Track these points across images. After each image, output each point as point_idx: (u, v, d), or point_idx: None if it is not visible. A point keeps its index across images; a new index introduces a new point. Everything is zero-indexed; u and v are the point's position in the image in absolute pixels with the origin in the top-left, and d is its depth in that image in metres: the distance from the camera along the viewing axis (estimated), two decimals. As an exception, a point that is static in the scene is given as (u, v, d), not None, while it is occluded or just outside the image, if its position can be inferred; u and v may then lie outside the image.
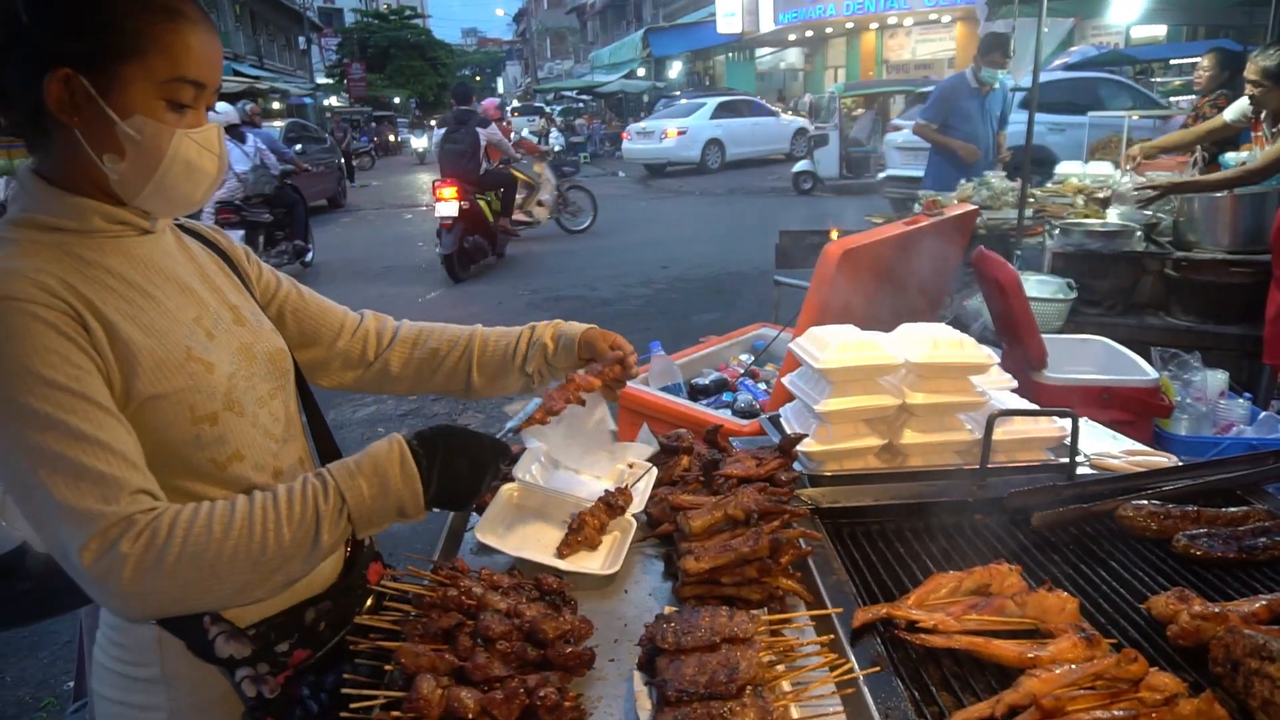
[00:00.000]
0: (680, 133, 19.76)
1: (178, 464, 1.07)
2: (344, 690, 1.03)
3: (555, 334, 1.51)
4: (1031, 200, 5.23)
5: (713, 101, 21.14)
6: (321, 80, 45.60)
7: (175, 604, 0.96)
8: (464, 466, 1.11)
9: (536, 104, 36.80)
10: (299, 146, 15.80)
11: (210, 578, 0.95)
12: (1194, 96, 7.45)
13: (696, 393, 3.12)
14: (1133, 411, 2.78)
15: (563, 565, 1.34)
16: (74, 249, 1.05)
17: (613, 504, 1.43)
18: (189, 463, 1.08)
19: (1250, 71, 4.26)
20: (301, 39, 42.64)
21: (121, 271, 1.08)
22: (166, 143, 1.04)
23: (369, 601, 1.28)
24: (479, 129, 9.61)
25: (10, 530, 1.64)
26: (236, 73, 27.63)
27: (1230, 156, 5.34)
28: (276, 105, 27.16)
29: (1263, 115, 4.52)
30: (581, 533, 1.39)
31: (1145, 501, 1.48)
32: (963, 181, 5.94)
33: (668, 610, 1.18)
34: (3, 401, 0.93)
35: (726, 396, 3.06)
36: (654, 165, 20.55)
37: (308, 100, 34.33)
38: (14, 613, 1.78)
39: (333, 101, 42.34)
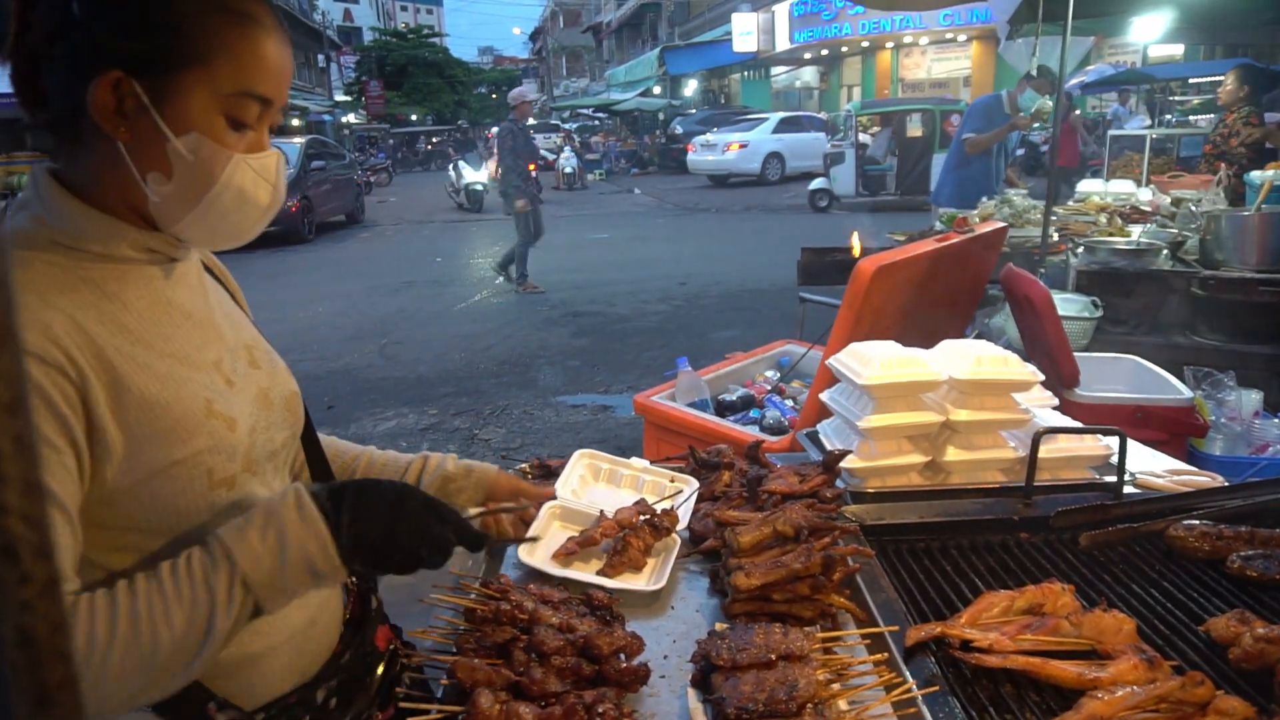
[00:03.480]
0: (742, 146, 20.67)
1: (183, 533, 0.92)
2: (400, 704, 1.02)
3: (463, 469, 1.36)
4: (1054, 219, 5.22)
5: (775, 116, 22.07)
6: (340, 97, 46.12)
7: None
8: (379, 512, 0.93)
9: (553, 122, 37.04)
10: (320, 162, 15.98)
11: (94, 698, 0.80)
12: (1213, 116, 7.43)
13: (723, 409, 3.11)
14: (1167, 431, 2.75)
15: (609, 583, 1.33)
16: (93, 275, 0.90)
17: (658, 525, 1.42)
18: (196, 531, 0.92)
19: None
20: (321, 57, 43.15)
21: (141, 309, 0.93)
22: (221, 167, 0.91)
23: (380, 668, 1.16)
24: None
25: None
26: (257, 90, 28.02)
27: (1255, 175, 5.31)
28: (296, 122, 27.46)
29: None
30: (626, 554, 1.38)
31: (1196, 522, 1.46)
32: (984, 199, 5.95)
33: (719, 627, 1.17)
34: None
35: (754, 413, 3.05)
36: (717, 176, 21.46)
37: (326, 118, 34.73)
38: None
39: (351, 119, 42.77)
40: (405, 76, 50.50)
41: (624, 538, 1.39)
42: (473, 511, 1.14)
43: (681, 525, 1.48)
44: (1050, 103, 6.09)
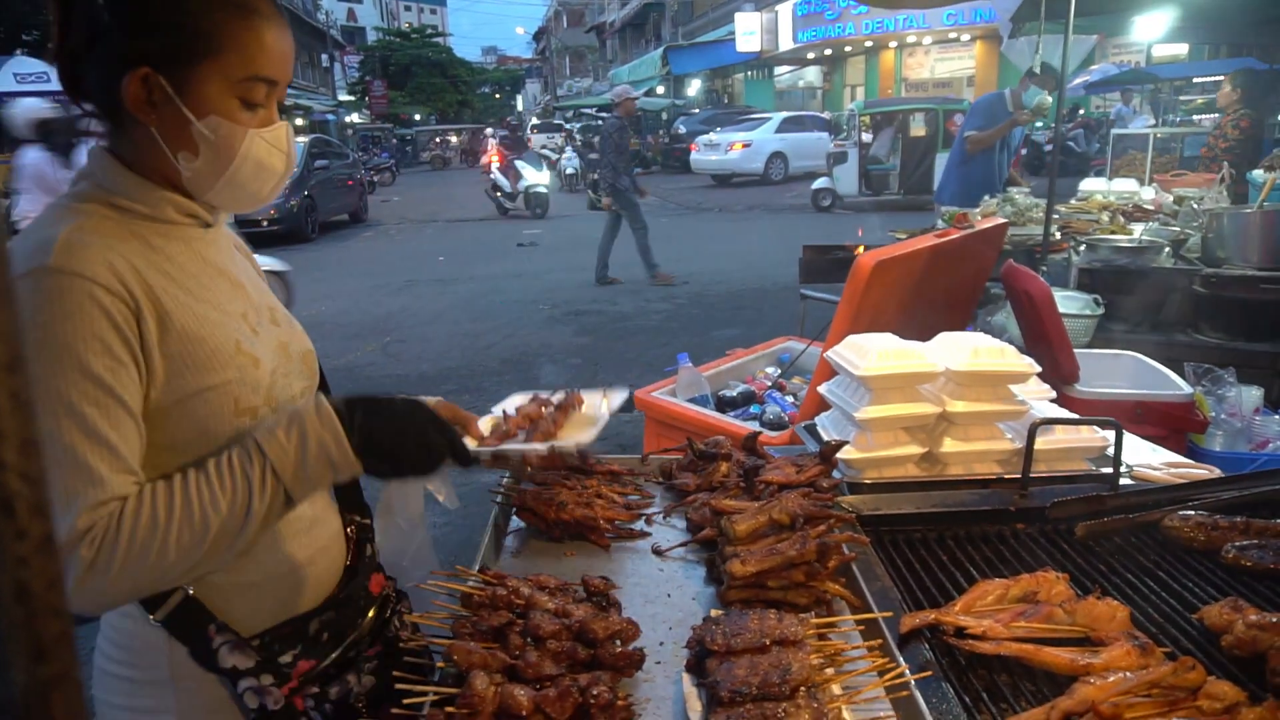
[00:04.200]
0: (745, 145, 20.61)
1: (209, 454, 1.03)
2: (396, 686, 1.03)
3: None
4: (1056, 217, 5.22)
5: (778, 116, 21.99)
6: (344, 97, 46.21)
7: (127, 597, 1.01)
8: (388, 419, 1.06)
9: (556, 121, 37.08)
10: (323, 161, 16.01)
11: (156, 570, 0.95)
12: (1216, 115, 7.45)
13: (724, 405, 3.13)
14: (1167, 427, 2.75)
15: (541, 447, 1.29)
16: (141, 231, 1.06)
17: (563, 404, 1.43)
18: (211, 449, 1.05)
19: None
20: (324, 56, 43.24)
21: (182, 261, 1.09)
22: (239, 143, 1.06)
23: (371, 612, 1.27)
24: None
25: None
26: (261, 89, 28.06)
27: (1257, 174, 5.31)
28: (300, 121, 27.52)
29: None
30: (542, 428, 1.34)
31: (1192, 512, 1.46)
32: (986, 197, 5.95)
33: (714, 613, 1.18)
34: (54, 370, 0.94)
35: (754, 409, 3.06)
36: (720, 175, 21.40)
37: (330, 117, 34.78)
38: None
39: (355, 118, 42.85)
40: (409, 76, 50.58)
41: (537, 424, 1.36)
42: (482, 449, 1.24)
43: (605, 418, 1.45)
44: (1050, 98, 6.09)
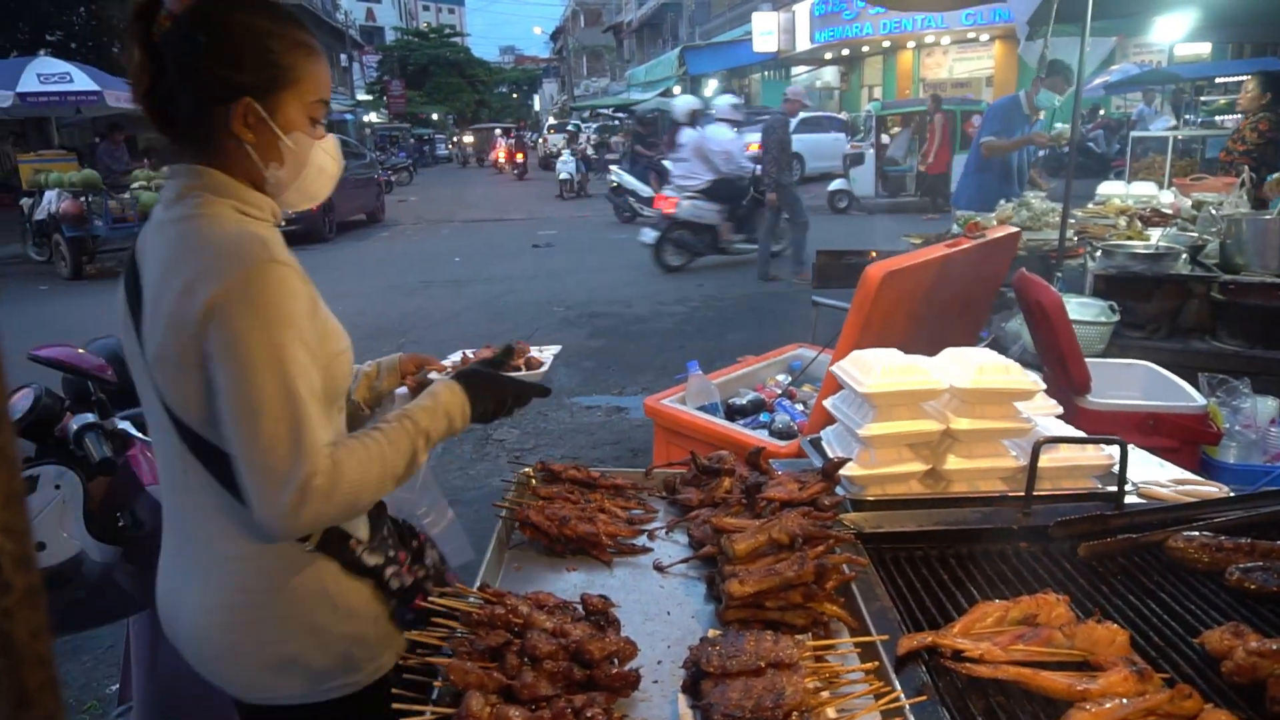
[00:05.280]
0: (761, 146, 20.16)
1: (338, 401, 1.36)
2: (393, 705, 1.05)
3: (375, 367, 1.72)
4: (1073, 221, 5.17)
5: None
6: (362, 96, 46.44)
7: (336, 519, 1.27)
8: (483, 386, 1.45)
9: (573, 121, 37.17)
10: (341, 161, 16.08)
11: (359, 496, 1.22)
12: (1239, 116, 7.36)
13: (733, 413, 3.12)
14: (1179, 439, 2.73)
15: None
16: (270, 232, 1.28)
17: (510, 349, 1.71)
18: (334, 409, 1.34)
19: None
20: (343, 56, 43.46)
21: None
22: (309, 152, 1.32)
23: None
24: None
25: (68, 540, 1.68)
26: (280, 89, 28.18)
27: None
28: (318, 121, 27.65)
29: None
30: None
31: (1196, 533, 1.45)
32: (1002, 202, 5.91)
33: (711, 633, 1.18)
34: (278, 344, 1.16)
35: (764, 417, 3.05)
36: None
37: (349, 116, 34.97)
38: (67, 619, 1.82)
39: (373, 118, 43.08)
40: (427, 76, 50.78)
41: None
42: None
43: (545, 369, 1.79)
44: (1058, 100, 6.04)
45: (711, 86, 33.40)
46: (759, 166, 9.96)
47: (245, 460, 1.15)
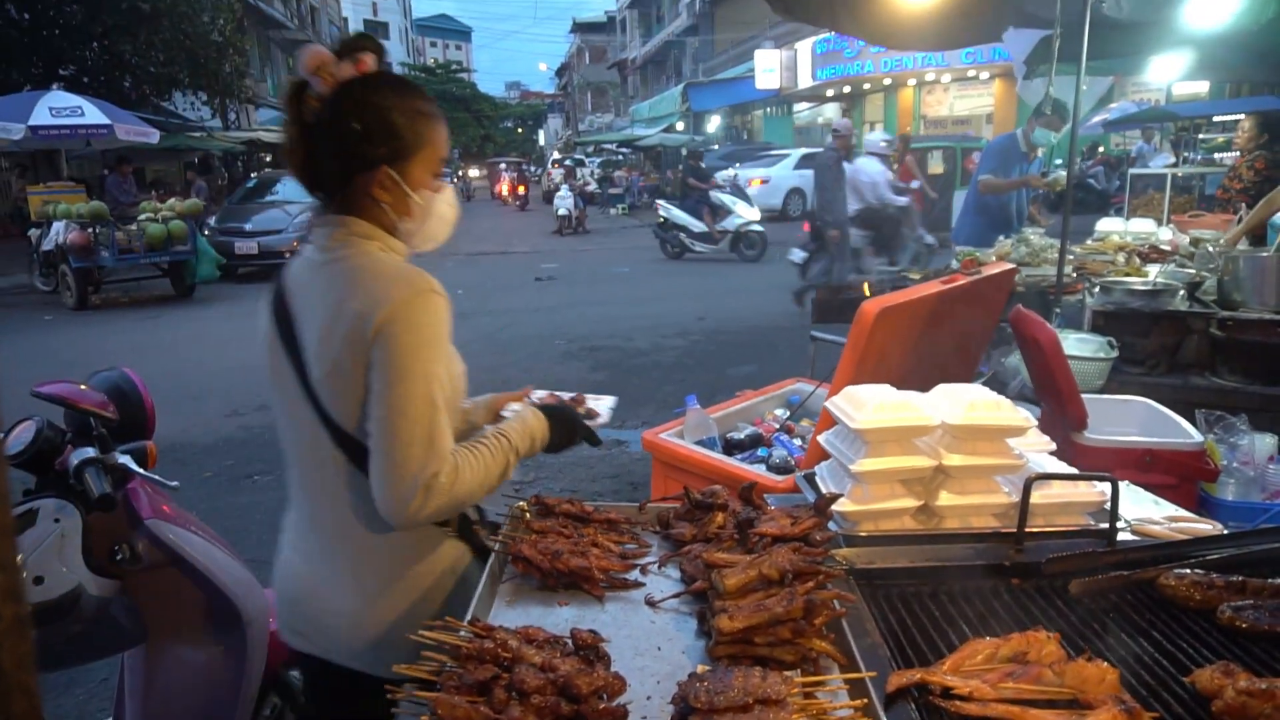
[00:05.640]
0: (764, 181, 20.57)
1: (455, 413, 1.56)
2: (381, 740, 1.05)
3: (473, 406, 1.90)
4: (1071, 257, 5.21)
5: (797, 152, 21.93)
6: (369, 131, 46.86)
7: (450, 511, 1.51)
8: (561, 419, 1.71)
9: (577, 156, 37.59)
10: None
11: (469, 494, 1.47)
12: (1236, 154, 7.43)
13: (731, 447, 3.13)
14: (1176, 475, 2.72)
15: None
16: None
17: (574, 400, 1.90)
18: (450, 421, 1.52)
19: None
20: (351, 92, 44.02)
21: None
22: (433, 204, 1.56)
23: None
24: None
25: (66, 573, 1.69)
26: (288, 124, 28.50)
27: (1277, 218, 5.28)
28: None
29: None
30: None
31: (1188, 570, 1.45)
32: (1000, 238, 5.95)
33: (700, 669, 1.19)
34: (427, 360, 1.42)
35: (761, 452, 3.06)
36: None
37: (355, 150, 35.28)
38: (65, 653, 1.82)
39: (379, 151, 43.49)
40: (433, 111, 51.24)
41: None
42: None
43: (602, 420, 1.90)
44: (1054, 138, 6.10)
45: (714, 123, 33.81)
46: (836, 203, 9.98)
47: (384, 453, 1.39)
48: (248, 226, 14.47)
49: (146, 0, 17.80)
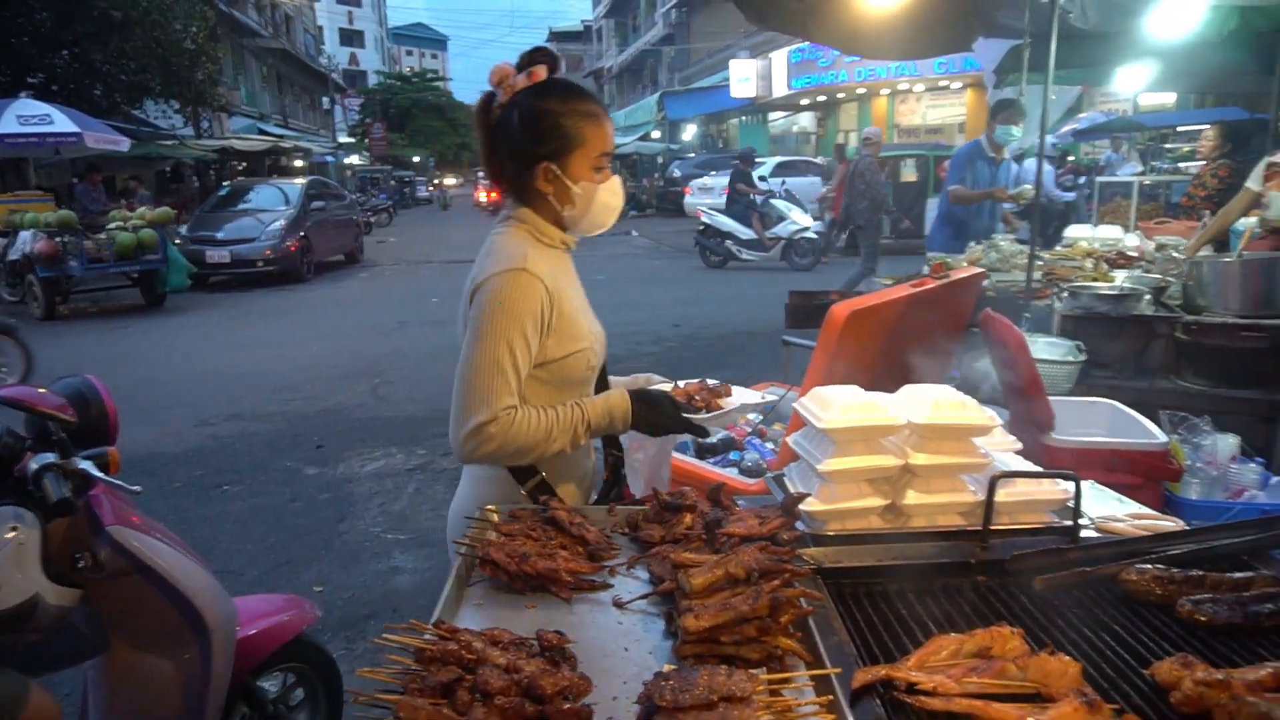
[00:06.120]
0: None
1: (570, 391, 1.83)
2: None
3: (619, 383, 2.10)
4: (1040, 263, 5.27)
5: (772, 160, 21.89)
6: (343, 139, 46.73)
7: (504, 460, 1.76)
8: (650, 402, 1.81)
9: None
10: (320, 203, 16.16)
11: (519, 455, 1.72)
12: (1201, 162, 7.56)
13: (704, 451, 3.14)
14: (1141, 475, 2.76)
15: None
16: (549, 253, 1.80)
17: (715, 390, 2.04)
18: (574, 391, 1.84)
19: None
20: (325, 99, 43.81)
21: (563, 272, 1.83)
22: (594, 194, 1.78)
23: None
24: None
25: (24, 581, 1.66)
26: (262, 131, 28.32)
27: (1239, 222, 5.38)
28: (299, 163, 27.76)
29: None
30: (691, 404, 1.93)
31: (1149, 566, 1.47)
32: (971, 244, 6.01)
33: (666, 668, 1.18)
34: (504, 328, 1.67)
35: (734, 455, 3.07)
36: None
37: (330, 158, 35.14)
38: (21, 663, 1.78)
39: (354, 160, 43.31)
40: (408, 119, 51.20)
41: (691, 398, 1.96)
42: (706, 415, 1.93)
43: (729, 406, 2.01)
44: (1016, 132, 6.18)
45: (690, 131, 33.96)
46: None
47: (454, 396, 1.70)
48: (220, 235, 14.32)
49: (118, 8, 17.58)
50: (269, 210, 14.92)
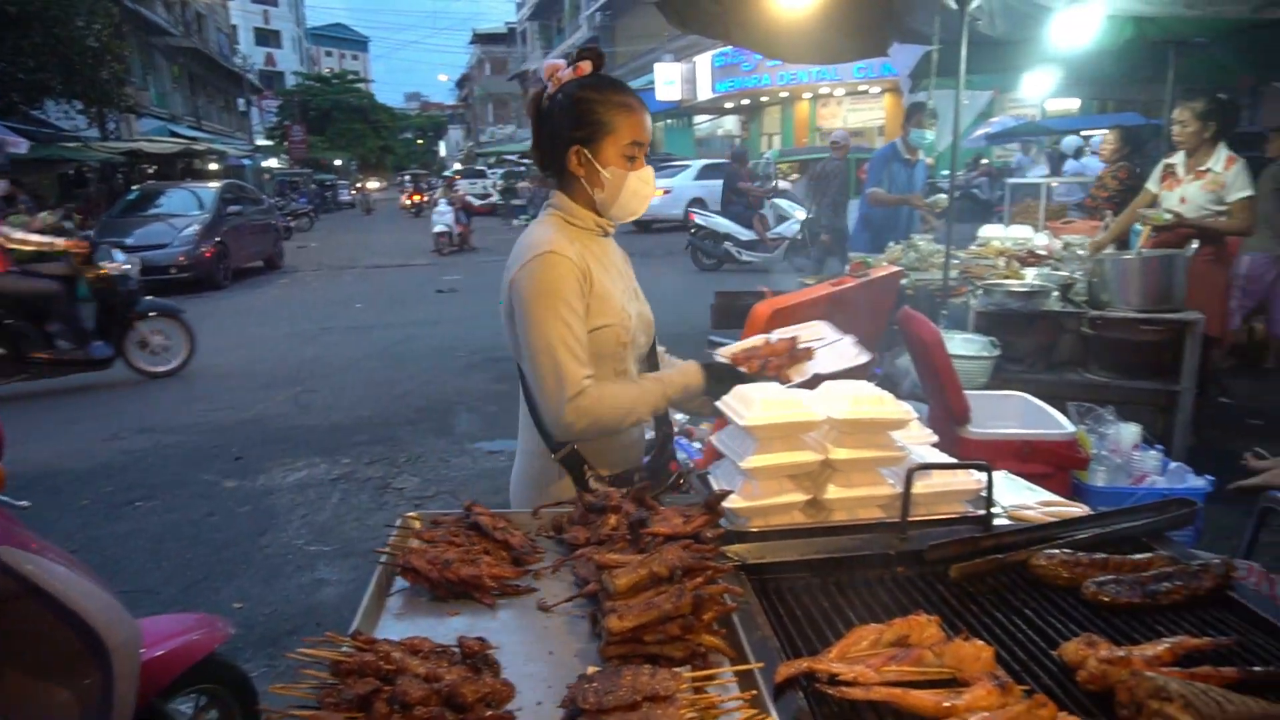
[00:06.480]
0: (665, 192, 20.57)
1: (604, 364, 1.92)
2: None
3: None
4: (956, 262, 5.44)
5: (698, 163, 22.09)
6: (261, 141, 45.38)
7: (592, 433, 1.88)
8: (717, 374, 1.98)
9: (478, 167, 37.16)
10: (237, 207, 15.64)
11: (609, 425, 1.88)
12: (1103, 165, 7.90)
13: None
14: (1052, 464, 2.87)
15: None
16: (580, 236, 1.92)
17: (794, 353, 2.08)
18: (608, 365, 1.93)
19: (1180, 116, 4.93)
20: (240, 100, 42.47)
21: (598, 254, 1.94)
22: (624, 180, 1.89)
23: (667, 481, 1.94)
24: None
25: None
26: (174, 134, 27.29)
27: (1137, 224, 5.64)
28: (213, 166, 26.83)
29: (1178, 162, 5.03)
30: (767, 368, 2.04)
31: (1057, 551, 1.53)
32: (891, 244, 6.17)
33: (591, 670, 1.17)
34: (549, 309, 1.79)
35: (662, 455, 3.07)
36: (641, 221, 21.23)
37: (246, 162, 34.05)
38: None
39: (272, 163, 42.10)
40: (329, 121, 50.07)
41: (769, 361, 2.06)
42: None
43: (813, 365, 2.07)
44: (929, 135, 6.39)
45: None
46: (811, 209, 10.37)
47: (533, 384, 1.85)
48: (129, 241, 13.72)
49: (13, 3, 16.70)
50: (182, 215, 14.37)
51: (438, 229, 19.06)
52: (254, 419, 6.82)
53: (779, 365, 2.07)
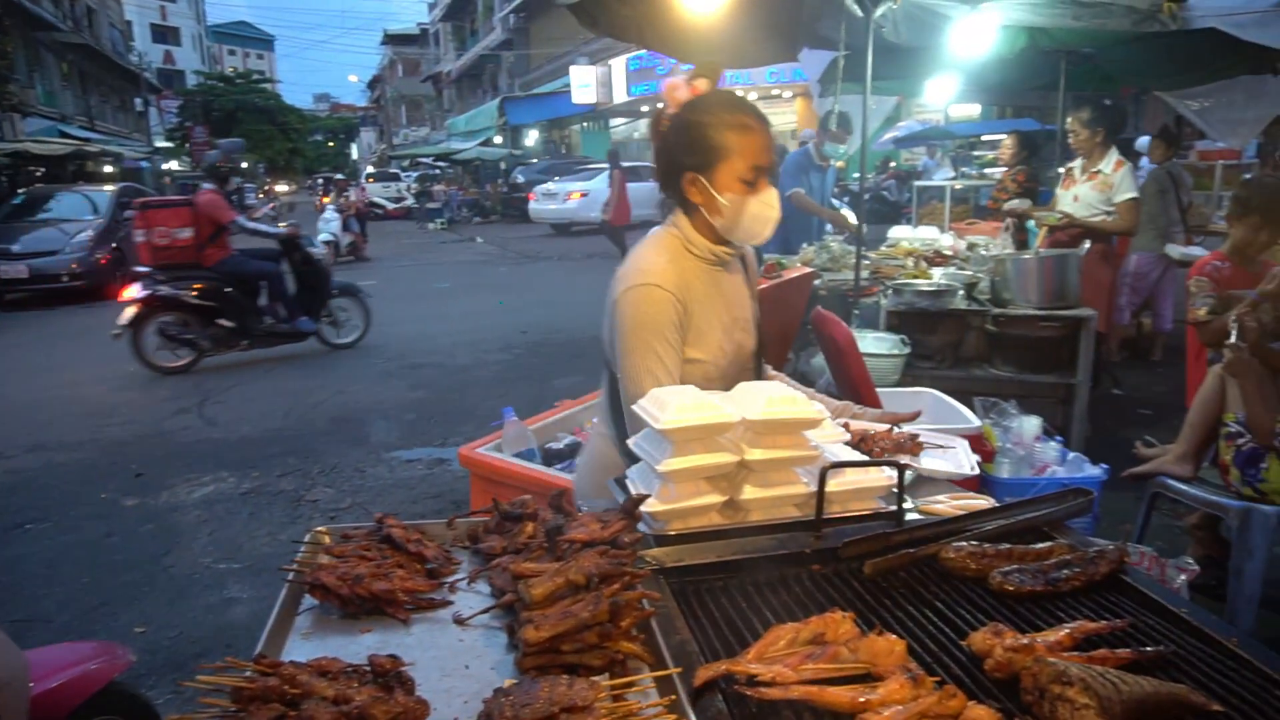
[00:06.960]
0: (583, 195, 20.73)
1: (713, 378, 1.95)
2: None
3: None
4: (867, 262, 5.58)
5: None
6: (161, 143, 43.52)
7: None
8: None
9: (392, 170, 36.44)
10: (133, 212, 14.93)
11: None
12: (1003, 168, 8.23)
13: (551, 457, 3.11)
14: (960, 458, 2.96)
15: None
16: (690, 262, 1.95)
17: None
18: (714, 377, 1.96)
19: (1072, 125, 5.32)
20: (138, 100, 40.62)
21: (704, 285, 1.96)
22: (744, 206, 1.86)
23: None
24: None
25: None
26: (64, 134, 25.91)
27: (1033, 222, 5.89)
28: (108, 169, 25.57)
29: (1076, 165, 5.33)
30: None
31: (965, 543, 1.57)
32: (804, 245, 6.29)
33: (507, 684, 1.15)
34: (643, 342, 1.86)
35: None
36: (559, 224, 21.45)
37: (145, 164, 32.57)
38: None
39: (174, 165, 40.40)
40: (234, 123, 48.31)
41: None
42: None
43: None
44: (842, 149, 6.57)
45: (532, 137, 33.83)
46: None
47: (625, 395, 1.91)
48: (15, 248, 12.98)
49: (-121, -6, 15.62)
50: (74, 220, 13.65)
51: (323, 237, 15.87)
52: (155, 433, 6.52)
53: (883, 450, 2.04)
